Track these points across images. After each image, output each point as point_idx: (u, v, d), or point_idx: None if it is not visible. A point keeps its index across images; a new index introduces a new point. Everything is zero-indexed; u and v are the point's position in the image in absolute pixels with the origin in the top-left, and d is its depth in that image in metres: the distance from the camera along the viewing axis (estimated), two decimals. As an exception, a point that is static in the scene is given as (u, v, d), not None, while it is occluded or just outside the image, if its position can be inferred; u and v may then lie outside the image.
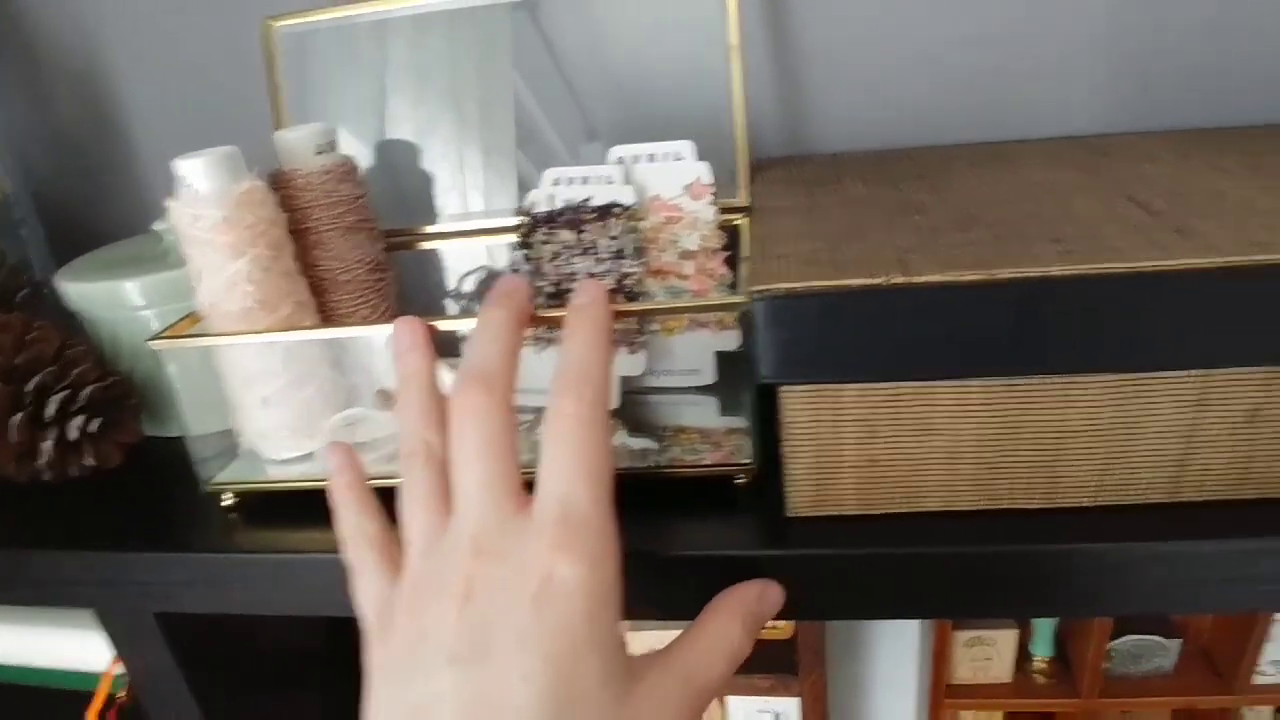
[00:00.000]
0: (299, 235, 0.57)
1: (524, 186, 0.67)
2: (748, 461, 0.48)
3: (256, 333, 0.52)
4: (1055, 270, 0.37)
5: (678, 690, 0.37)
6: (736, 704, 0.96)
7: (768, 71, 0.72)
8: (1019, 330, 0.38)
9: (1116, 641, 0.97)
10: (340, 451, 0.45)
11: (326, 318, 0.59)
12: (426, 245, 0.70)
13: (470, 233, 0.68)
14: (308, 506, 0.50)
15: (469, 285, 0.72)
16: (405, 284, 0.72)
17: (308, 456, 0.56)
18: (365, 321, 0.60)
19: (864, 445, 0.43)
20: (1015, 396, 0.41)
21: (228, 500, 0.56)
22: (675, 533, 0.47)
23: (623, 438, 0.54)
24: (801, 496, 0.45)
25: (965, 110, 0.71)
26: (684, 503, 0.49)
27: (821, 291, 0.38)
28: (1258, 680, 0.98)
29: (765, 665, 0.90)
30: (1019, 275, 0.37)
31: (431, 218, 0.70)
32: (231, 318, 0.53)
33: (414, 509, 0.39)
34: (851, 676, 1.04)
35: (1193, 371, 0.40)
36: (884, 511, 0.45)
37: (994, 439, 0.42)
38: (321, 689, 0.80)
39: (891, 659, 1.03)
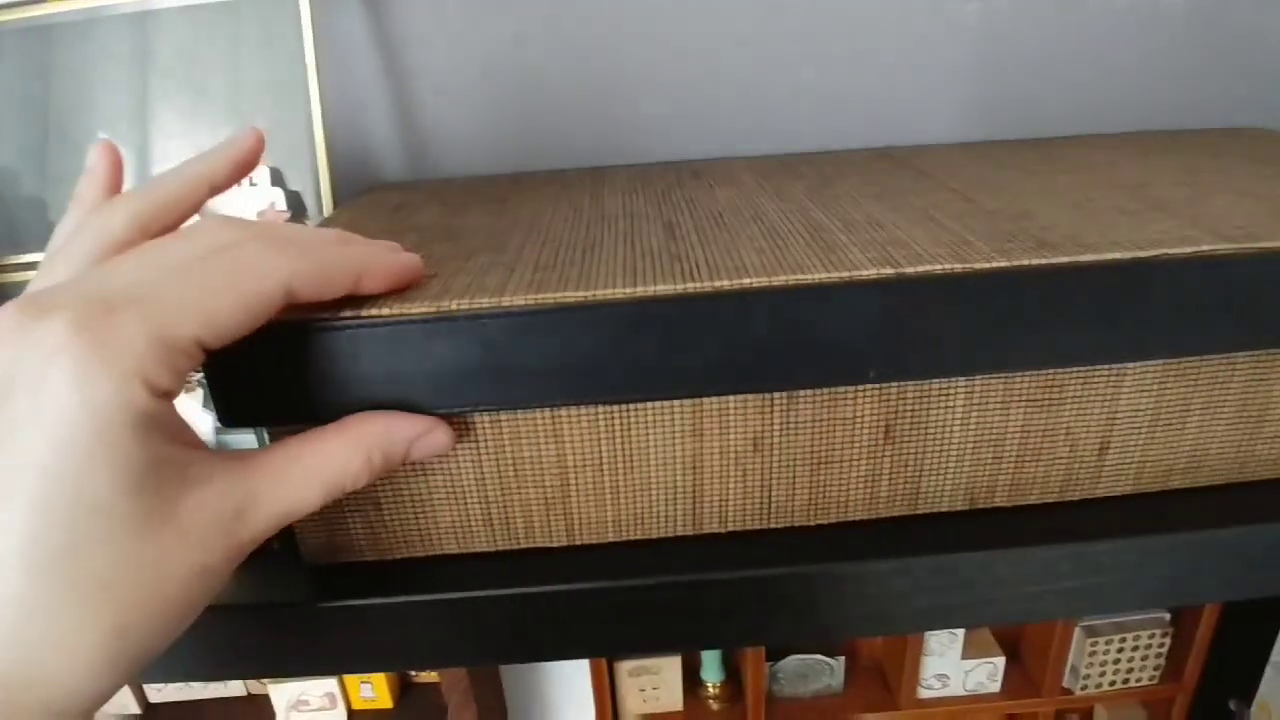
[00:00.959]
0: None
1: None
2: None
3: None
4: (504, 301, 0.35)
5: (231, 515, 0.31)
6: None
7: (383, 93, 0.69)
8: (481, 363, 0.36)
9: (781, 662, 0.98)
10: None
11: None
12: (15, 277, 0.64)
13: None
14: None
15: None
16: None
17: None
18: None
19: (362, 488, 0.40)
20: (503, 431, 0.39)
21: None
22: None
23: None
24: (313, 544, 0.42)
25: (588, 135, 0.70)
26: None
27: (269, 328, 0.34)
28: (923, 694, 1.00)
29: (417, 712, 0.86)
30: (467, 308, 0.35)
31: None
32: None
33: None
34: (531, 713, 1.02)
35: (684, 401, 0.39)
36: (401, 556, 0.42)
37: (494, 476, 0.40)
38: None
39: (568, 692, 1.01)
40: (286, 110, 0.60)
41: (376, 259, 0.36)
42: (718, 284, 0.35)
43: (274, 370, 0.36)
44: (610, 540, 0.43)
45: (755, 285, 0.35)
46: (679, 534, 0.43)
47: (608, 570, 0.42)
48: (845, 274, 0.36)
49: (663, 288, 0.35)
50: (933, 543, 0.42)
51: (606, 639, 0.43)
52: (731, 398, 0.39)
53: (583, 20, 0.67)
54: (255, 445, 0.48)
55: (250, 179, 0.58)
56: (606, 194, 0.54)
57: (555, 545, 0.43)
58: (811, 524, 0.43)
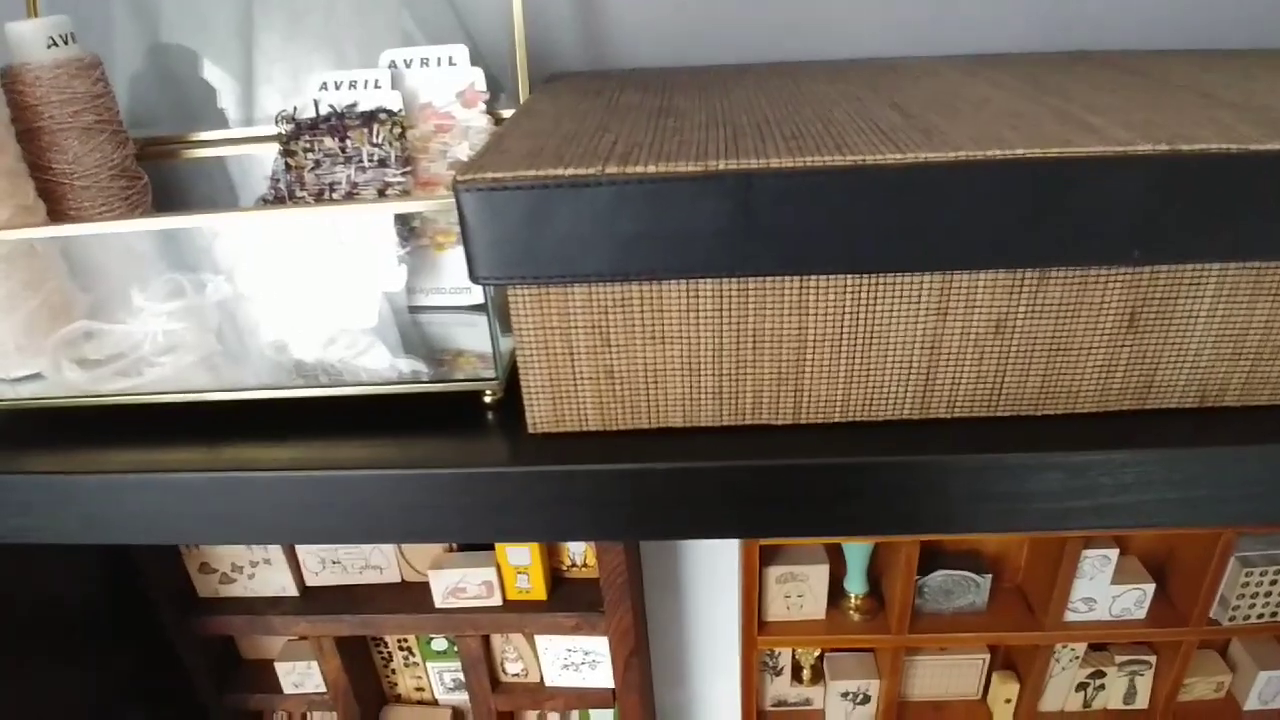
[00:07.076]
0: (32, 135, 0.53)
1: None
2: (491, 377, 0.46)
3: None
4: (773, 163, 0.35)
5: None
6: (545, 643, 0.94)
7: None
8: (742, 225, 0.36)
9: (928, 578, 0.97)
10: None
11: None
12: (198, 154, 0.65)
13: (234, 141, 0.64)
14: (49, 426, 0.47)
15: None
16: (188, 193, 0.68)
17: (38, 375, 0.51)
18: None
19: (598, 355, 0.40)
20: (749, 300, 0.39)
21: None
22: (418, 451, 0.44)
23: (389, 358, 0.50)
24: (541, 412, 0.42)
25: (771, 29, 0.69)
26: (434, 422, 0.46)
27: (530, 182, 0.35)
28: (1070, 617, 0.99)
29: (569, 604, 0.87)
30: (735, 168, 0.35)
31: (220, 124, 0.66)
32: (-59, 220, 0.48)
33: None
34: (671, 613, 1.03)
35: (933, 276, 0.38)
36: (627, 428, 0.43)
37: (732, 348, 0.40)
38: (96, 658, 0.76)
39: (710, 595, 1.02)
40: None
41: None
42: (989, 152, 0.34)
43: (533, 227, 0.36)
44: (836, 421, 0.42)
45: (1029, 155, 0.34)
46: (905, 418, 0.42)
47: (833, 450, 0.41)
48: (1120, 148, 0.34)
49: (934, 154, 0.34)
50: (1165, 439, 0.41)
51: (829, 517, 0.42)
52: (982, 275, 0.38)
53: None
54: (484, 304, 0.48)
55: (450, 57, 0.58)
56: (808, 84, 0.53)
57: (780, 423, 0.43)
58: (1038, 414, 0.42)
